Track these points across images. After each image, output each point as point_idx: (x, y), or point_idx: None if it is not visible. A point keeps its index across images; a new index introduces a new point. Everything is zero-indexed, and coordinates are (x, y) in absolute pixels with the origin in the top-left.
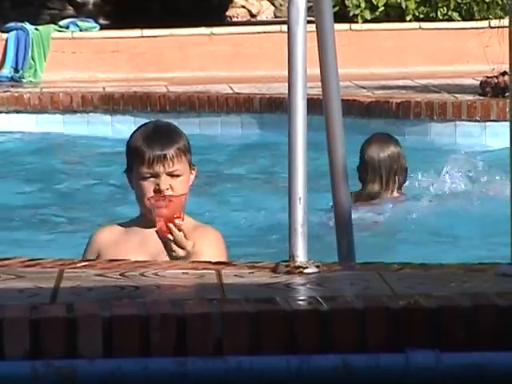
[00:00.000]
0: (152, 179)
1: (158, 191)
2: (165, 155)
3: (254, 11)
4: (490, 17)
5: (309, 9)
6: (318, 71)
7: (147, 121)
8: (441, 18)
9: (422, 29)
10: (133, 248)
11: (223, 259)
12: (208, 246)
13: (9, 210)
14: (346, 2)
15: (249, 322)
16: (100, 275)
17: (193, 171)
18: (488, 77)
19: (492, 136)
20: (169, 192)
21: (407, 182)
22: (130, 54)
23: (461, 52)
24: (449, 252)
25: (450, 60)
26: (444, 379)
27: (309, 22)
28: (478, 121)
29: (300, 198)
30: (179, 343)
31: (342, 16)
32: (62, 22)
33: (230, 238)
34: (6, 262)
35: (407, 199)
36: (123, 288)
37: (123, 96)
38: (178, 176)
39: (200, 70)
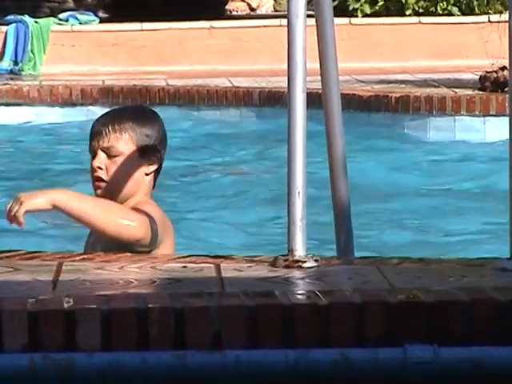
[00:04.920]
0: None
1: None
2: (101, 130)
3: (253, 5)
4: (490, 11)
5: (308, 2)
6: (317, 65)
7: None
8: (440, 12)
9: (422, 23)
10: None
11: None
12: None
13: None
14: None
15: (247, 316)
16: (99, 268)
17: (150, 163)
18: (487, 71)
19: (491, 131)
20: (101, 173)
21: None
22: (129, 48)
23: (460, 47)
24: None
25: (449, 55)
26: (442, 374)
27: (308, 15)
28: (478, 115)
29: (299, 192)
30: (178, 336)
31: (341, 10)
32: (62, 15)
33: (228, 231)
34: (5, 254)
35: None
36: (122, 281)
37: (122, 89)
38: (115, 156)
39: (199, 64)
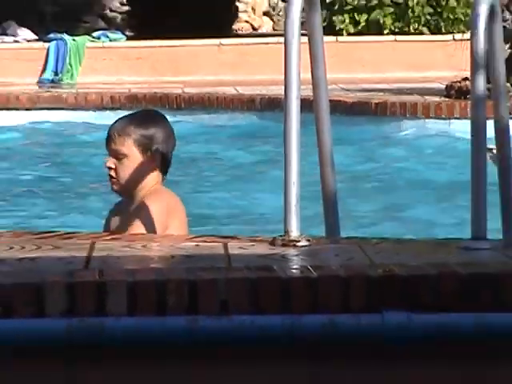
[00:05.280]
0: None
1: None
2: (110, 135)
3: (255, 25)
4: (454, 31)
5: (302, 24)
6: (309, 75)
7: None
8: (413, 31)
9: (397, 41)
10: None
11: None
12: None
13: (48, 190)
14: (333, 18)
15: (250, 287)
16: (125, 246)
17: (153, 159)
18: (452, 82)
19: (455, 132)
20: (112, 172)
21: None
22: (151, 61)
23: (430, 61)
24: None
25: (420, 67)
26: (414, 336)
27: (302, 34)
28: (444, 118)
29: (294, 183)
30: (191, 304)
31: (329, 29)
32: (95, 34)
33: (236, 216)
34: (47, 235)
35: None
36: (145, 257)
37: (145, 96)
38: (121, 158)
39: (210, 75)
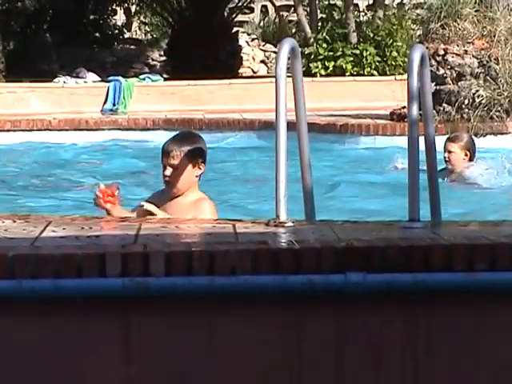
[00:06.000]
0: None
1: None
2: (167, 151)
3: (255, 70)
4: (396, 73)
5: (288, 69)
6: (293, 105)
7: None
8: (366, 73)
9: (355, 81)
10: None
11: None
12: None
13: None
14: (310, 65)
15: (252, 256)
16: (163, 227)
17: (198, 168)
18: (394, 109)
19: (398, 145)
20: (168, 177)
21: None
22: (181, 95)
23: (378, 95)
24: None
25: (372, 99)
26: (369, 290)
27: (288, 76)
28: (388, 135)
29: (282, 182)
30: (210, 268)
31: (307, 73)
32: (141, 76)
33: (240, 204)
34: (107, 219)
35: None
36: (177, 234)
37: (177, 120)
38: (176, 169)
39: (223, 105)
